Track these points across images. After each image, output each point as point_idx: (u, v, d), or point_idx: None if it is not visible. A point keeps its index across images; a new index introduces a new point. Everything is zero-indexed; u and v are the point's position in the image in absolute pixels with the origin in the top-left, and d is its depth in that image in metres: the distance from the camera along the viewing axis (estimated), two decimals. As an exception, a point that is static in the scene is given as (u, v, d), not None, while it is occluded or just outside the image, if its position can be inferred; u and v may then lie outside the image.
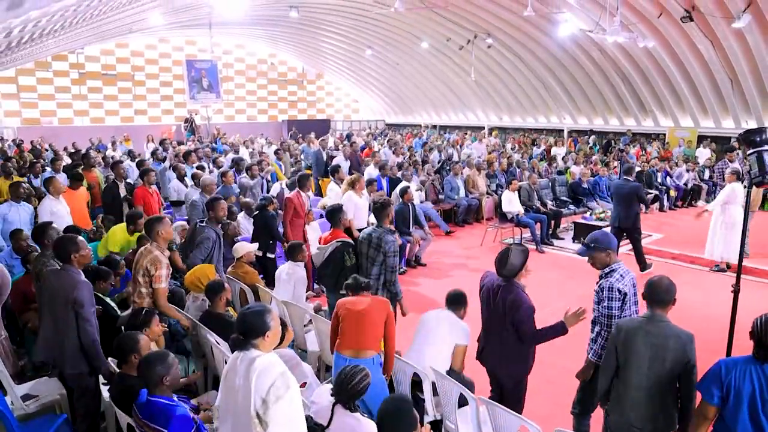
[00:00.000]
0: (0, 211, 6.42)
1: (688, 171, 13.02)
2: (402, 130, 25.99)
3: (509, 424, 3.01)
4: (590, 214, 9.73)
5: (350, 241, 5.19)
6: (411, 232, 8.10)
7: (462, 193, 11.15)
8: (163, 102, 23.41)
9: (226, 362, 3.53)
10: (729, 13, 11.49)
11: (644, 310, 3.08)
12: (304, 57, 25.74)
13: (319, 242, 5.42)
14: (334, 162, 11.51)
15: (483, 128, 22.54)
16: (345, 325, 3.65)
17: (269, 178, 10.10)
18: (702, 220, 8.16)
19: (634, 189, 7.56)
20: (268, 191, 9.30)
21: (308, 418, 2.70)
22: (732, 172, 7.81)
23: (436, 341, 3.84)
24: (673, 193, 12.47)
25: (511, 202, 9.26)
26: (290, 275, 5.22)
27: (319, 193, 11.10)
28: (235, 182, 8.66)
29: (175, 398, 2.94)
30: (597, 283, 3.51)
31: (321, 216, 7.59)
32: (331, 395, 2.84)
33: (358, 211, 7.02)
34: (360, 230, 5.62)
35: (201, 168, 9.83)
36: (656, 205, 12.06)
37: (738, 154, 11.55)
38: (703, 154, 15.05)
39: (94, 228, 7.20)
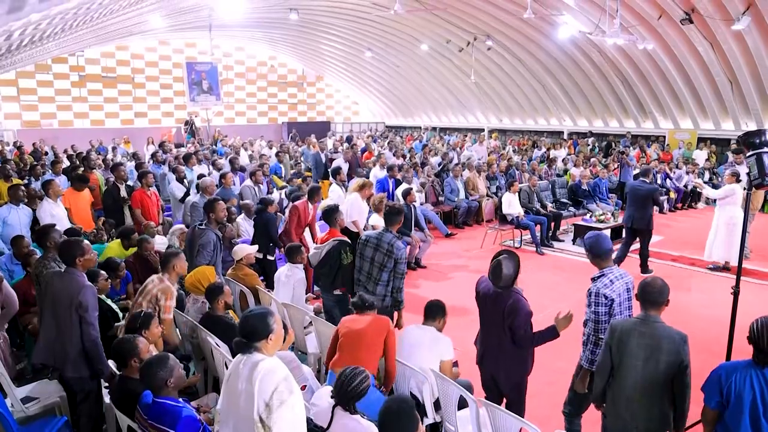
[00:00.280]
0: (0, 214, 6.42)
1: (687, 173, 13.03)
2: (402, 132, 26.01)
3: (509, 425, 3.01)
4: (590, 216, 9.72)
5: (347, 240, 5.24)
6: (411, 234, 8.11)
7: (462, 195, 11.15)
8: (163, 104, 23.40)
9: (226, 365, 3.54)
10: (728, 15, 11.49)
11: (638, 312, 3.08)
12: (304, 59, 25.75)
13: (314, 241, 5.44)
14: (335, 164, 11.52)
15: (483, 130, 22.53)
16: (343, 342, 3.68)
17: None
18: (702, 218, 8.17)
19: (651, 191, 7.57)
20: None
21: (308, 421, 2.70)
22: (731, 174, 7.82)
23: (419, 362, 3.72)
24: (672, 195, 12.47)
25: (511, 204, 9.27)
26: (289, 277, 5.23)
27: (319, 194, 11.09)
28: (235, 184, 8.65)
29: (181, 400, 2.94)
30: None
31: (320, 219, 7.62)
32: (331, 397, 2.83)
33: (361, 214, 7.16)
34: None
35: (202, 176, 9.79)
36: (656, 207, 12.05)
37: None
38: (701, 155, 15.04)
39: (95, 230, 7.20)
